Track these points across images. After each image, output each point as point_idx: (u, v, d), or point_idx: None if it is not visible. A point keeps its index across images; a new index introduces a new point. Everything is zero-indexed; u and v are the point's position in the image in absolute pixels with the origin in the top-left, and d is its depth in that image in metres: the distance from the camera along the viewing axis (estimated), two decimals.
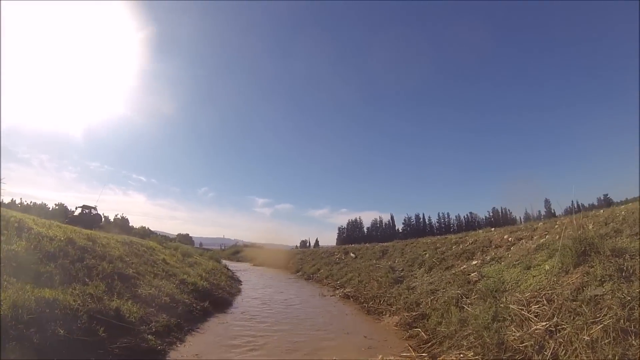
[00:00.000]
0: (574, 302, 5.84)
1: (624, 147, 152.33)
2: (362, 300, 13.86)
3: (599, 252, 6.68)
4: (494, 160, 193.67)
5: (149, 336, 7.60)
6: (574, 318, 5.55)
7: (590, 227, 8.95)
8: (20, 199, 53.62)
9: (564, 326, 5.51)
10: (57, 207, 46.68)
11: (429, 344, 7.64)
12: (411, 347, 7.78)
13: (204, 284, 14.14)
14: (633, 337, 4.70)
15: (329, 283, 20.86)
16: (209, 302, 12.23)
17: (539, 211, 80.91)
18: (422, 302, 10.16)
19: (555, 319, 5.75)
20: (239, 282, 21.96)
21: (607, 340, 4.82)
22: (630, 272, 5.85)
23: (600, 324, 5.10)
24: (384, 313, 11.34)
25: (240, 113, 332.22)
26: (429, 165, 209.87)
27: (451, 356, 6.46)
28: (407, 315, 9.64)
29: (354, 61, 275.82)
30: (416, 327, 8.82)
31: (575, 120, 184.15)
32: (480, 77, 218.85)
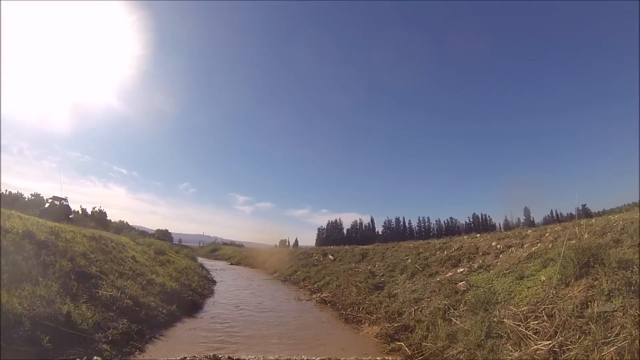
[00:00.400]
0: (580, 319, 5.19)
1: (599, 158, 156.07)
2: (340, 307, 13.07)
3: (603, 263, 6.07)
4: (475, 167, 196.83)
5: (103, 345, 6.91)
6: (580, 337, 4.88)
7: (586, 236, 8.39)
8: None
9: (569, 346, 4.84)
10: (32, 198, 45.05)
11: None
12: None
13: (172, 285, 13.36)
14: None
15: (306, 286, 20.16)
16: (177, 305, 11.39)
17: (519, 218, 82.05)
18: (404, 311, 9.46)
19: (558, 338, 5.08)
20: (213, 282, 21.22)
21: None
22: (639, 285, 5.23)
23: (613, 345, 4.45)
24: (363, 322, 10.60)
25: (224, 110, 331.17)
26: (411, 170, 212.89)
27: None
28: (388, 326, 8.87)
29: (345, 65, 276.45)
30: (399, 340, 8.07)
31: (556, 129, 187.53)
32: (468, 83, 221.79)
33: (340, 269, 19.65)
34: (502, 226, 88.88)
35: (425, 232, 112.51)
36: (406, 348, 7.42)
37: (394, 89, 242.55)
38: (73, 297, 7.97)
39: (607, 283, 5.57)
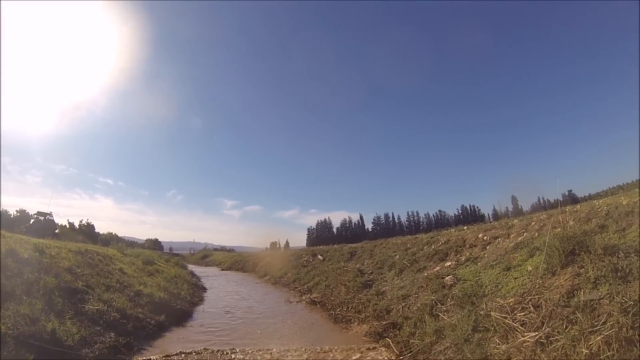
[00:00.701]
0: (566, 309, 5.07)
1: (584, 142, 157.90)
2: (329, 307, 12.95)
3: (589, 250, 5.99)
4: (463, 157, 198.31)
5: None
6: (567, 327, 4.77)
7: (571, 223, 8.36)
8: None
9: (556, 337, 4.72)
10: (18, 214, 44.11)
11: (401, 357, 6.79)
12: None
13: (161, 295, 13.19)
14: (639, 348, 3.97)
15: (296, 287, 20.08)
16: (165, 315, 11.19)
17: (507, 208, 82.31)
18: (392, 309, 9.35)
19: (545, 329, 4.97)
20: (204, 289, 20.97)
21: (609, 353, 4.09)
22: (627, 272, 5.17)
23: (600, 333, 4.33)
24: (352, 321, 10.47)
25: (209, 116, 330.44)
26: (398, 163, 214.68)
27: None
28: (376, 324, 8.75)
29: (337, 64, 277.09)
30: (386, 337, 7.97)
31: (540, 117, 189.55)
32: (458, 74, 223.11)
33: (330, 268, 19.64)
34: (490, 216, 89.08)
35: (414, 226, 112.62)
36: (393, 346, 7.30)
37: (382, 85, 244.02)
38: (58, 314, 7.90)
39: (593, 270, 5.48)
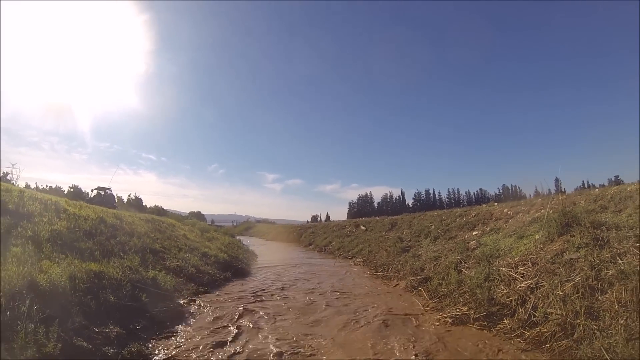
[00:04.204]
0: (553, 265, 6.86)
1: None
2: (373, 268, 15.02)
3: (580, 224, 7.66)
4: (507, 139, 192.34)
5: (182, 302, 8.65)
6: (551, 277, 6.55)
7: (583, 203, 9.88)
8: (36, 183, 53.99)
9: (542, 284, 6.54)
10: (72, 190, 46.91)
11: (430, 301, 8.71)
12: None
13: (224, 257, 15.26)
14: (599, 293, 5.68)
15: (341, 254, 21.89)
16: (231, 272, 13.32)
17: (549, 189, 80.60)
18: (426, 267, 11.21)
19: (536, 278, 6.77)
20: (255, 255, 22.75)
21: (576, 295, 5.82)
22: (605, 241, 6.82)
23: (572, 281, 6.07)
24: (392, 279, 12.43)
25: (250, 91, 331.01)
26: (441, 142, 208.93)
27: (449, 311, 7.48)
28: (412, 279, 10.71)
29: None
30: (420, 289, 9.90)
31: (586, 103, 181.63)
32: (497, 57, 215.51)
33: (372, 237, 21.40)
34: (532, 197, 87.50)
35: (455, 203, 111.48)
36: (425, 294, 9.24)
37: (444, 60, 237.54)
38: (151, 267, 9.68)
39: (580, 239, 7.15)
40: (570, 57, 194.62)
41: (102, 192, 31.94)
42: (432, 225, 17.12)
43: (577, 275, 6.18)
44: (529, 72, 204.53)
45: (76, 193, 42.79)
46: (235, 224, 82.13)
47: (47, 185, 50.05)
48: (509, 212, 12.86)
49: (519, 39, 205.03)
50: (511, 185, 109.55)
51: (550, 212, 9.16)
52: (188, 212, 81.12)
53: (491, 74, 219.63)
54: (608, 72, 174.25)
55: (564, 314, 5.56)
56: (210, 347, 5.96)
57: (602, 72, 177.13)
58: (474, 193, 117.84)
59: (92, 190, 34.19)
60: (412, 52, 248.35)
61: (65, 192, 44.20)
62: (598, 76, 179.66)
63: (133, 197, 54.71)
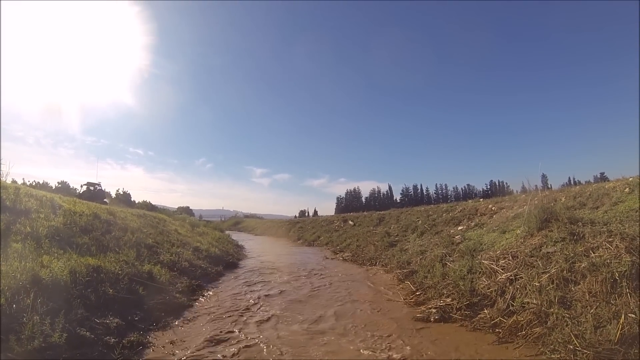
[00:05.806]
0: (532, 258, 7.26)
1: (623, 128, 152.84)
2: (360, 262, 15.37)
3: (558, 219, 8.08)
4: (493, 137, 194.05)
5: (177, 294, 8.77)
6: (529, 269, 6.95)
7: (563, 200, 10.34)
8: (23, 179, 53.43)
9: (521, 276, 6.94)
10: (59, 185, 46.58)
11: (416, 293, 9.05)
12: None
13: (215, 251, 15.58)
14: (572, 284, 6.08)
15: (329, 249, 22.21)
16: (222, 266, 13.75)
17: (536, 185, 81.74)
18: (412, 261, 11.62)
19: (515, 270, 7.17)
20: (244, 249, 22.97)
21: (552, 286, 6.23)
22: (581, 236, 7.24)
23: (548, 273, 6.46)
24: (379, 272, 12.76)
25: (239, 84, 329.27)
26: (428, 137, 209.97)
27: (433, 303, 7.84)
28: (399, 272, 11.12)
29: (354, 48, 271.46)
30: (406, 281, 10.26)
31: (577, 101, 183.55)
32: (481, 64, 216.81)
33: (360, 232, 21.78)
34: (519, 193, 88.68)
35: (442, 198, 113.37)
36: (411, 286, 9.62)
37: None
38: (145, 261, 9.77)
39: (557, 234, 7.56)
40: (562, 57, 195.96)
41: (92, 188, 31.90)
42: (419, 221, 17.56)
43: (552, 267, 6.57)
44: (523, 71, 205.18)
45: (64, 188, 42.55)
46: (223, 219, 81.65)
47: (34, 181, 49.53)
48: (494, 208, 13.30)
49: (510, 41, 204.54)
50: (498, 181, 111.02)
51: (532, 208, 9.58)
52: (176, 207, 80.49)
53: (482, 74, 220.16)
54: (608, 72, 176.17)
55: (540, 303, 5.94)
56: (207, 339, 6.23)
57: (602, 71, 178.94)
58: (461, 189, 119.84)
59: (81, 186, 34.22)
60: (409, 52, 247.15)
61: (53, 188, 43.86)
62: (595, 76, 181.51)
63: (122, 193, 54.56)
